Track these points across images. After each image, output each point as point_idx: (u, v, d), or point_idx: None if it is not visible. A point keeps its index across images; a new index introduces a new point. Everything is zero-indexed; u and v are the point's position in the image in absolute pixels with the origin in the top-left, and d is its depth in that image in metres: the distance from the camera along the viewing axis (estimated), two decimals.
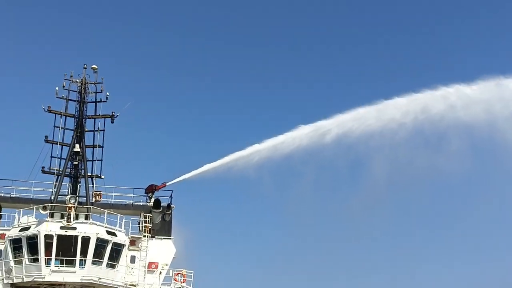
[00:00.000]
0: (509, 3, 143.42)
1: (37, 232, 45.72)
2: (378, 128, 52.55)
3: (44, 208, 46.72)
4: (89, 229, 46.45)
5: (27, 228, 46.72)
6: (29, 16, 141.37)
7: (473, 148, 55.37)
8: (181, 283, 50.58)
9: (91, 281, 45.92)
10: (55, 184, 51.01)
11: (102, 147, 53.14)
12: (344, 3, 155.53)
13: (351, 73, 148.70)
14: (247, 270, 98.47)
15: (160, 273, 50.27)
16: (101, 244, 46.47)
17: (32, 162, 51.75)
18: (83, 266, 45.73)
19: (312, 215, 71.38)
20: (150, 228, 50.61)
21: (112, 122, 53.36)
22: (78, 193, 51.24)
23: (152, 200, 52.18)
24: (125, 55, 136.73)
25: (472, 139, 53.79)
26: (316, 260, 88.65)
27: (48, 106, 52.45)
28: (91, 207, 49.66)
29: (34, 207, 47.85)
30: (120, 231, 48.76)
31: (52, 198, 49.92)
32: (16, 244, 46.49)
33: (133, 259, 49.53)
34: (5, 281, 46.53)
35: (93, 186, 51.91)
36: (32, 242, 45.80)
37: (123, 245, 48.33)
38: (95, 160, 52.90)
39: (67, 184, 51.66)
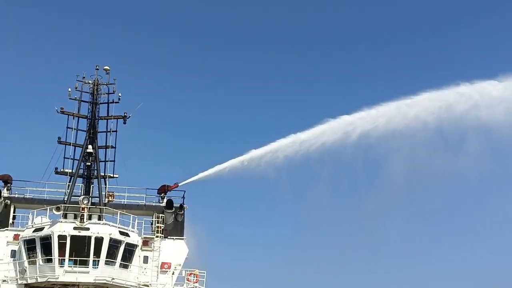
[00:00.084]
0: (509, 3, 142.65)
1: (50, 233, 45.94)
2: (400, 127, 51.87)
3: (58, 209, 46.88)
4: (102, 229, 46.60)
5: (41, 229, 46.94)
6: (31, 17, 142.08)
7: (492, 150, 54.91)
8: (193, 283, 50.55)
9: (105, 281, 46.08)
10: (68, 185, 51.15)
11: (115, 147, 53.41)
12: (344, 3, 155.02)
13: (351, 73, 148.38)
14: (260, 270, 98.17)
15: (173, 273, 50.29)
16: (114, 244, 46.60)
17: (46, 163, 52.06)
18: (96, 266, 45.87)
19: (328, 216, 71.02)
20: (162, 229, 50.71)
21: (124, 123, 53.59)
22: (91, 194, 51.46)
23: (165, 200, 52.34)
24: (125, 55, 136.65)
25: (492, 141, 53.20)
26: (331, 261, 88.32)
27: (61, 108, 52.78)
28: (104, 207, 49.81)
29: (48, 207, 48.04)
30: (133, 231, 48.90)
31: (66, 199, 50.05)
32: (30, 244, 46.76)
33: (146, 260, 49.62)
34: (19, 282, 46.77)
35: (106, 187, 52.03)
36: (46, 242, 46.03)
37: (136, 246, 48.45)
38: (107, 161, 53.15)
39: (80, 185, 51.89)
